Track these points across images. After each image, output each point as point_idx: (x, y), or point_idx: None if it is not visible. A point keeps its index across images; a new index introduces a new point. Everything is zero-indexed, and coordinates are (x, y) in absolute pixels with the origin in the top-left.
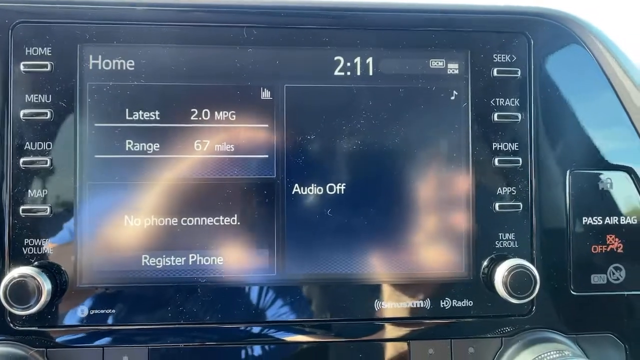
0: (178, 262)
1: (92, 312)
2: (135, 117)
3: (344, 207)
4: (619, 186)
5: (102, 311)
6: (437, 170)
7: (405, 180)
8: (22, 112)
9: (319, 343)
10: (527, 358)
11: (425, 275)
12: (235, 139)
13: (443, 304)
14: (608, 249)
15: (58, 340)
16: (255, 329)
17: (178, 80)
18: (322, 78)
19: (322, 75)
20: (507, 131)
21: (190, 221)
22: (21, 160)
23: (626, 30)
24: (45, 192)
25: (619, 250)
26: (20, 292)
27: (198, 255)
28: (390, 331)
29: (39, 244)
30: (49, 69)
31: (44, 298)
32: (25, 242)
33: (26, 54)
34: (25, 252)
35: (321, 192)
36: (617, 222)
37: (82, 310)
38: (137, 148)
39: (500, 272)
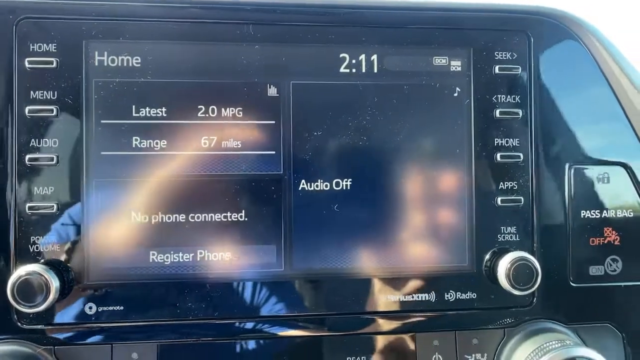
0: (186, 259)
1: (101, 309)
2: (142, 113)
3: (350, 202)
4: (615, 181)
5: (111, 308)
6: (441, 166)
7: (410, 175)
8: (27, 109)
9: (326, 337)
10: (529, 348)
11: (430, 268)
12: (242, 135)
13: (448, 297)
14: (605, 242)
15: (66, 337)
16: (264, 324)
17: (184, 77)
18: (327, 75)
19: (327, 72)
20: (509, 127)
21: (198, 217)
22: (27, 157)
23: (623, 29)
24: (51, 189)
25: (616, 243)
26: (28, 289)
27: (206, 251)
28: (397, 324)
29: (46, 241)
30: (54, 65)
31: (52, 295)
32: (32, 239)
33: (31, 50)
34: (31, 250)
35: (328, 188)
36: (614, 215)
37: (90, 307)
38: (144, 145)
39: (503, 265)
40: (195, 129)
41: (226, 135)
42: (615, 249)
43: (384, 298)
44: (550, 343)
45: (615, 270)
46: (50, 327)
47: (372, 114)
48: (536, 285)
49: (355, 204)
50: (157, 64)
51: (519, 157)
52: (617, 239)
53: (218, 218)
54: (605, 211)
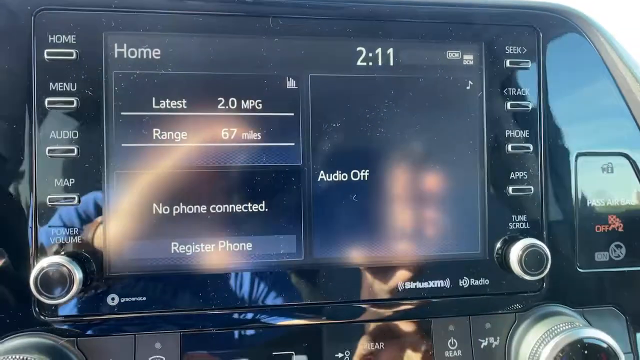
0: (207, 249)
1: (123, 299)
2: (162, 105)
3: (368, 192)
4: (619, 170)
5: (133, 299)
6: (455, 157)
7: (425, 166)
8: (46, 100)
9: (345, 324)
10: (540, 331)
11: (445, 256)
12: (261, 127)
13: (462, 283)
14: (610, 229)
15: (89, 329)
16: (286, 313)
17: (204, 69)
18: (345, 68)
19: (345, 65)
20: (519, 119)
21: (219, 208)
22: (47, 149)
23: (628, 25)
24: (72, 181)
25: (620, 230)
26: (52, 281)
27: (227, 241)
28: (414, 310)
29: (67, 233)
30: (74, 57)
31: (75, 287)
32: (53, 231)
33: (49, 41)
34: (53, 242)
35: (346, 179)
36: (617, 203)
37: (113, 299)
38: (164, 136)
39: (516, 251)
40: (216, 120)
41: (246, 127)
42: (619, 236)
43: (402, 285)
44: (560, 325)
45: (619, 256)
46: (72, 318)
47: (388, 106)
48: (546, 271)
49: (372, 194)
50: (177, 56)
51: (529, 148)
52: (620, 226)
53: (239, 209)
54: (609, 199)
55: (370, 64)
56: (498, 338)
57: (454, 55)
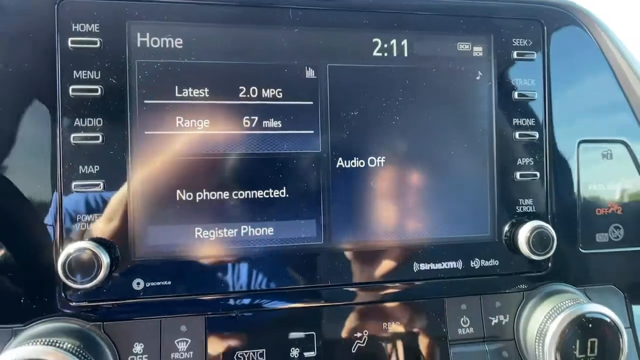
0: (230, 234)
1: (148, 284)
2: (185, 94)
3: (385, 178)
4: (617, 156)
5: (158, 283)
6: (466, 144)
7: (438, 153)
8: (71, 88)
9: (364, 305)
10: (547, 308)
11: (458, 239)
12: (282, 115)
13: (473, 264)
14: (609, 211)
15: (115, 313)
16: (305, 294)
17: (226, 59)
18: (362, 58)
19: (362, 55)
20: (526, 108)
21: (241, 194)
22: (72, 136)
23: (627, 21)
24: (97, 167)
25: (618, 212)
26: (80, 266)
27: (249, 226)
28: (429, 290)
29: (92, 219)
30: (97, 45)
31: (103, 271)
32: (78, 217)
33: (73, 30)
34: (78, 228)
35: (363, 165)
36: (616, 187)
37: (138, 283)
38: (187, 124)
39: (524, 233)
40: (237, 109)
41: (267, 115)
42: (618, 218)
43: (417, 267)
44: (566, 302)
45: (618, 237)
46: (98, 303)
47: (403, 94)
48: (552, 251)
49: (388, 180)
50: (199, 46)
51: (534, 135)
52: (619, 208)
53: (260, 195)
54: (609, 183)
55: (386, 54)
56: (507, 316)
57: (464, 46)
